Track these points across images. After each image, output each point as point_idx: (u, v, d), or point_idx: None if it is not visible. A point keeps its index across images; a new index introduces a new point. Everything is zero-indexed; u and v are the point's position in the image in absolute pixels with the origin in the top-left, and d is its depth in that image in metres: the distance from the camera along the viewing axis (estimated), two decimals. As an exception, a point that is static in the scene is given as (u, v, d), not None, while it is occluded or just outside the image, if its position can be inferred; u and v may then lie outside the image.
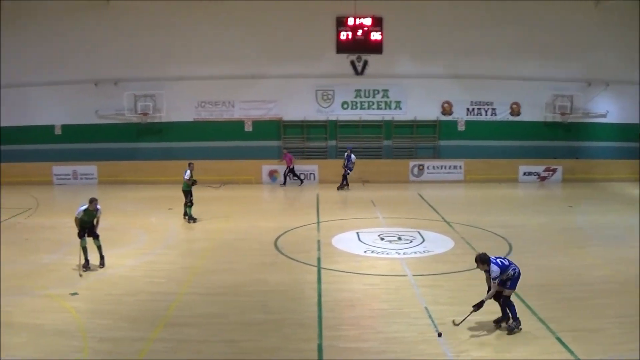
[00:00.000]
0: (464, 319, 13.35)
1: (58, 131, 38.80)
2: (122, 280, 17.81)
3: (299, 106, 35.55)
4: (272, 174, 35.09)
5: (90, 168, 37.00)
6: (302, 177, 35.57)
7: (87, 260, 18.79)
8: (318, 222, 24.56)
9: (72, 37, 36.88)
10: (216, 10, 34.99)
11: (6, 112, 38.87)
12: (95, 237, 19.01)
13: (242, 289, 16.63)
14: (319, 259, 19.01)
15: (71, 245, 20.41)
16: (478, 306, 13.33)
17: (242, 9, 34.58)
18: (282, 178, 35.79)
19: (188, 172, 25.85)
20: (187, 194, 25.89)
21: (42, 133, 38.81)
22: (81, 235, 18.74)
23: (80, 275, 17.99)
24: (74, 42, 36.87)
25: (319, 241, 21.31)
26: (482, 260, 13.59)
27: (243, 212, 27.92)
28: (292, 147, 35.42)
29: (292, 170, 35.50)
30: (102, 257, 19.08)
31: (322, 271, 17.80)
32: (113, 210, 27.39)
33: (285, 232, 22.89)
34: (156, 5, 35.28)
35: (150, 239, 22.93)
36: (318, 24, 34.45)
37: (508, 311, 13.61)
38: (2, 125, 38.96)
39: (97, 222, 19.00)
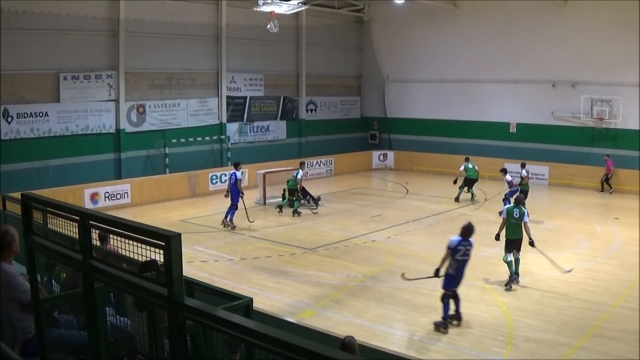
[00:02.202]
0: None
1: (512, 129, 39.62)
2: (558, 284, 17.91)
3: None
4: None
5: (542, 168, 37.08)
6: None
7: (512, 276, 17.68)
8: None
9: (532, 37, 37.13)
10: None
11: (466, 106, 40.78)
12: (519, 249, 17.95)
13: (678, 311, 15.86)
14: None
15: None
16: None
17: None
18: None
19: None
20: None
21: (497, 130, 39.88)
22: (508, 248, 17.83)
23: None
24: (533, 41, 37.10)
25: None
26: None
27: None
28: None
29: (607, 176, 33.94)
30: (515, 274, 17.78)
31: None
32: (559, 213, 27.81)
33: None
34: (618, 5, 33.73)
35: (592, 247, 22.64)
36: None
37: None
38: (464, 118, 41.00)
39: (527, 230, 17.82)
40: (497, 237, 18.46)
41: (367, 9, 43.91)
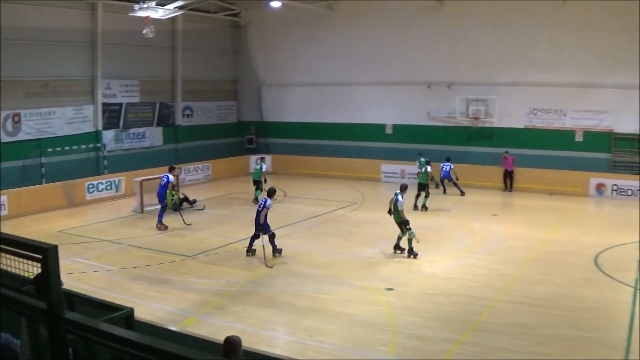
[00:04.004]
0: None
1: (389, 130, 40.20)
2: (439, 281, 18.30)
3: (631, 118, 32.92)
4: (600, 187, 33.63)
5: (417, 168, 37.74)
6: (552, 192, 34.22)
7: (396, 246, 21.15)
8: (640, 242, 23.44)
9: (408, 38, 37.90)
10: (553, 14, 33.70)
11: (343, 109, 41.23)
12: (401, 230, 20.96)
13: (557, 302, 16.37)
14: (636, 280, 18.01)
15: (392, 240, 21.39)
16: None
17: (577, 13, 33.17)
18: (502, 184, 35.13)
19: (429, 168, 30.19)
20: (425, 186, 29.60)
21: (373, 131, 40.41)
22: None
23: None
24: (408, 43, 37.86)
25: (638, 261, 20.18)
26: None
27: (567, 224, 27.09)
28: (621, 161, 33.62)
29: (509, 174, 34.83)
30: (407, 249, 20.75)
31: (638, 293, 16.90)
32: (438, 211, 28.35)
33: (607, 248, 22.02)
34: (492, 7, 34.96)
35: (472, 243, 23.11)
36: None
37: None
38: (340, 121, 41.35)
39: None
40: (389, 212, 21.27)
41: (244, 14, 43.78)
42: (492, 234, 24.81)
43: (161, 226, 25.79)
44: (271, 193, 21.50)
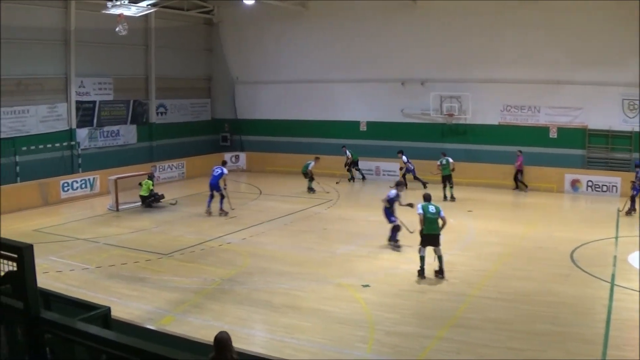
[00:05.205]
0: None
1: (363, 127, 40.33)
2: (414, 277, 18.24)
3: (604, 115, 33.45)
4: (575, 184, 33.83)
5: (394, 165, 37.56)
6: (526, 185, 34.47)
7: (421, 269, 18.31)
8: (616, 237, 23.49)
9: (381, 36, 37.98)
10: (524, 12, 33.86)
11: (316, 106, 41.39)
12: (437, 244, 18.46)
13: (533, 297, 16.42)
14: (613, 275, 18.21)
15: (367, 237, 22.02)
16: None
17: (548, 11, 33.33)
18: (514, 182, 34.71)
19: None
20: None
21: (347, 128, 40.46)
22: (424, 244, 18.44)
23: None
24: (382, 40, 37.94)
25: (615, 257, 20.44)
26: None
27: (542, 220, 27.23)
28: (596, 157, 34.02)
29: (519, 173, 34.52)
30: (441, 270, 18.34)
31: (615, 288, 17.06)
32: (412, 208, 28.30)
33: (583, 244, 22.12)
34: (464, 5, 35.07)
35: (448, 240, 22.91)
36: (624, 29, 32.00)
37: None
38: (314, 118, 41.53)
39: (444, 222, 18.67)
40: (422, 233, 18.73)
41: (217, 11, 43.66)
42: (468, 230, 24.89)
43: (222, 212, 27.83)
44: (398, 184, 22.76)
